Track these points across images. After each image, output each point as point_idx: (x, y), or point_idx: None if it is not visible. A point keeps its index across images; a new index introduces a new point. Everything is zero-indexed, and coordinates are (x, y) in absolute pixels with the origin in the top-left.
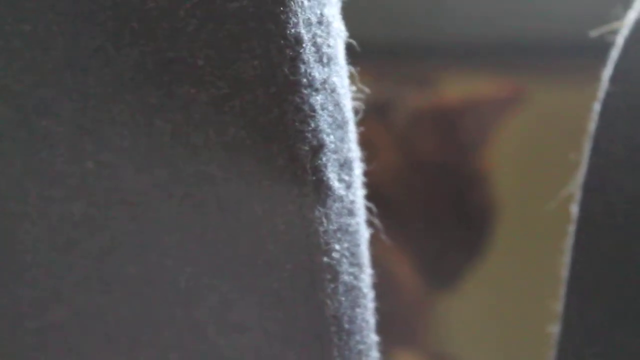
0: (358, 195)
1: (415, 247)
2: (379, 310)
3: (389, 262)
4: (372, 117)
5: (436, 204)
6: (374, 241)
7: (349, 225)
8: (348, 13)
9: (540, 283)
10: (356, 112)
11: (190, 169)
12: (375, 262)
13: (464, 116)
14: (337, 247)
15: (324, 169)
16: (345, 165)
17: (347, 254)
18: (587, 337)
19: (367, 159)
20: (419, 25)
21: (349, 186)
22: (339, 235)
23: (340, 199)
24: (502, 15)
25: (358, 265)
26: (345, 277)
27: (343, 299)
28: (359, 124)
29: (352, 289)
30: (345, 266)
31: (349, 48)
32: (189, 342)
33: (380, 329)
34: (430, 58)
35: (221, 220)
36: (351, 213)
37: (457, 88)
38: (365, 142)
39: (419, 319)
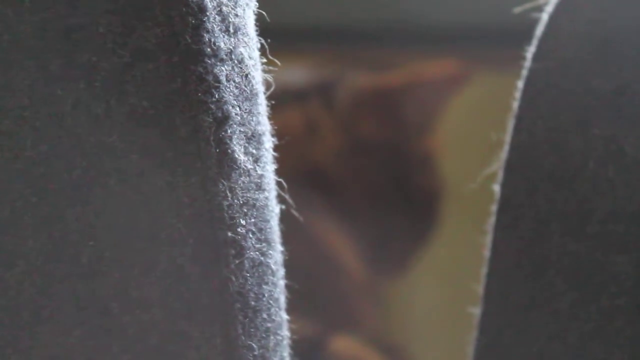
0: (268, 169)
1: (359, 231)
2: (320, 294)
3: (332, 245)
4: (315, 98)
5: (381, 187)
6: (315, 223)
7: (256, 200)
8: None
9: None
10: (268, 85)
11: (91, 139)
12: (318, 245)
13: (407, 97)
14: (242, 222)
15: (228, 142)
16: (253, 138)
17: (254, 229)
18: (506, 317)
19: (311, 140)
20: (371, 8)
21: (256, 160)
22: (245, 209)
23: (247, 172)
24: None
25: (266, 241)
26: (252, 253)
27: (249, 275)
28: (301, 106)
29: (259, 266)
30: (251, 242)
31: (296, 28)
32: (92, 319)
33: (321, 312)
34: (381, 41)
35: (123, 192)
36: (259, 188)
37: (401, 69)
38: (309, 124)
39: (361, 304)
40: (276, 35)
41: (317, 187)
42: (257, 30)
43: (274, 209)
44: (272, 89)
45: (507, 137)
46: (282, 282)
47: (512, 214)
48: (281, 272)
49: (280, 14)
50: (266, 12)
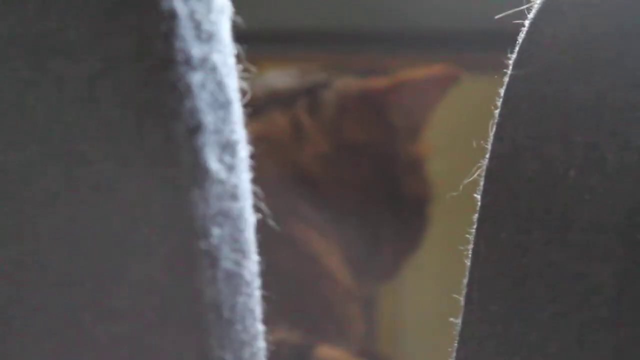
0: (243, 178)
1: (346, 236)
2: (305, 301)
3: (318, 251)
4: (301, 102)
5: (368, 191)
6: (301, 229)
7: (230, 209)
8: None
9: None
10: (243, 92)
11: (63, 147)
12: (303, 251)
13: (394, 100)
14: (216, 232)
15: (202, 151)
16: (227, 147)
17: (228, 239)
18: (487, 328)
19: (297, 144)
20: (360, 12)
21: (231, 169)
22: (219, 219)
23: (221, 182)
24: (440, 3)
25: (241, 251)
26: (226, 264)
27: (223, 286)
28: (287, 110)
29: (234, 276)
30: (226, 252)
31: (284, 33)
32: (63, 330)
33: (306, 320)
34: (370, 45)
35: (95, 200)
36: (234, 197)
37: (388, 74)
38: (294, 128)
39: (348, 311)
40: (263, 40)
41: (303, 192)
42: (240, 35)
43: (250, 219)
44: (257, 92)
45: (488, 145)
46: (257, 293)
47: (493, 222)
48: (256, 282)
49: (267, 18)
50: (253, 16)
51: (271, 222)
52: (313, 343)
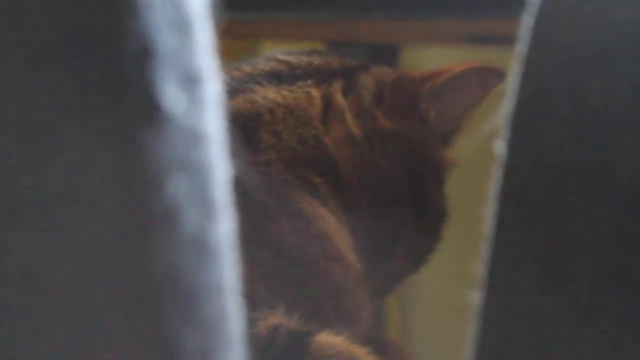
0: (208, 121)
1: (360, 232)
2: (309, 283)
3: (329, 233)
4: (338, 81)
5: (390, 187)
6: (312, 204)
7: (190, 158)
8: None
9: None
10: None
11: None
12: (312, 228)
13: (434, 94)
14: (173, 185)
15: (152, 80)
16: (186, 79)
17: (188, 196)
18: (514, 304)
19: (326, 124)
20: None
21: (191, 106)
22: (175, 170)
23: (177, 121)
24: None
25: (206, 212)
26: (187, 227)
27: (182, 254)
28: (322, 87)
29: (196, 243)
30: (186, 212)
31: None
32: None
33: (307, 304)
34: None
35: (25, 145)
36: (194, 142)
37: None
38: (327, 106)
39: (355, 299)
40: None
41: (323, 173)
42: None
43: (219, 173)
44: (292, 62)
45: (510, 88)
46: (230, 266)
47: (520, 178)
48: (228, 252)
49: None
50: None
51: (276, 191)
52: (313, 329)
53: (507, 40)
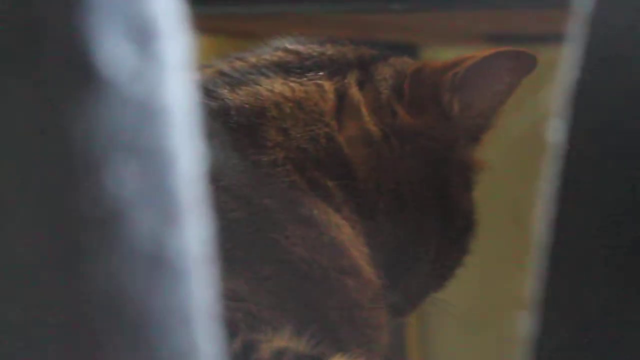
0: (172, 91)
1: (378, 242)
2: (321, 300)
3: (343, 240)
4: (353, 74)
5: (411, 193)
6: (324, 210)
7: (141, 137)
8: None
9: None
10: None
11: None
12: (325, 237)
13: (459, 84)
14: (116, 173)
15: (82, 30)
16: (135, 31)
17: (139, 190)
18: (582, 324)
19: (339, 121)
20: None
21: (143, 68)
22: (119, 152)
23: (123, 88)
24: None
25: (163, 215)
26: (137, 234)
27: (126, 273)
28: (336, 80)
29: (147, 259)
30: (135, 213)
31: None
32: None
33: (319, 324)
34: None
35: None
36: (148, 115)
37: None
38: (340, 101)
39: (372, 318)
40: None
41: (336, 176)
42: None
43: (186, 163)
44: (303, 52)
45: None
46: (201, 288)
47: (590, 170)
48: (199, 271)
49: None
50: None
51: (283, 195)
52: (324, 353)
53: (527, 39)
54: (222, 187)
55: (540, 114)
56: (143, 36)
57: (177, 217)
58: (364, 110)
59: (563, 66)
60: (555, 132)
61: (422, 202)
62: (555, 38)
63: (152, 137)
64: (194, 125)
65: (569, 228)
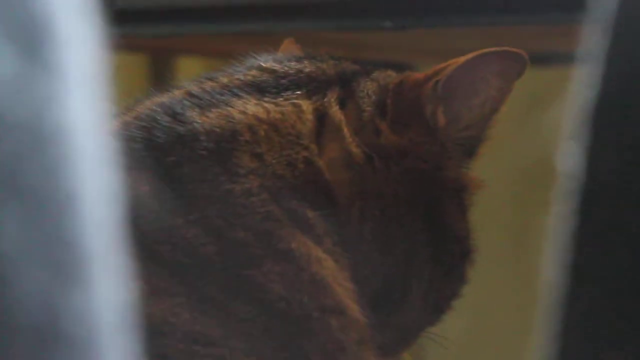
0: (73, 112)
1: (367, 276)
2: (302, 344)
3: (326, 276)
4: (333, 91)
5: (399, 217)
6: (304, 243)
7: (26, 175)
8: None
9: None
10: None
11: None
12: (305, 273)
13: (440, 93)
14: None
15: None
16: (19, 33)
17: (22, 236)
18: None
19: (319, 142)
20: None
21: (29, 83)
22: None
23: None
24: None
25: (59, 267)
26: (22, 292)
27: (12, 343)
28: (314, 99)
29: (40, 326)
30: (20, 273)
31: None
32: None
33: None
34: None
35: None
36: (38, 145)
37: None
38: (319, 121)
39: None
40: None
41: (315, 203)
42: None
43: (93, 208)
44: (279, 70)
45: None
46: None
47: (609, 197)
48: (116, 342)
49: None
50: None
51: (258, 228)
52: None
53: (535, 59)
54: (191, 220)
55: (548, 137)
56: (30, 38)
57: (78, 275)
58: (346, 131)
59: (577, 85)
60: (568, 156)
61: (411, 229)
62: (556, 56)
63: (41, 171)
64: (105, 155)
65: (588, 275)
